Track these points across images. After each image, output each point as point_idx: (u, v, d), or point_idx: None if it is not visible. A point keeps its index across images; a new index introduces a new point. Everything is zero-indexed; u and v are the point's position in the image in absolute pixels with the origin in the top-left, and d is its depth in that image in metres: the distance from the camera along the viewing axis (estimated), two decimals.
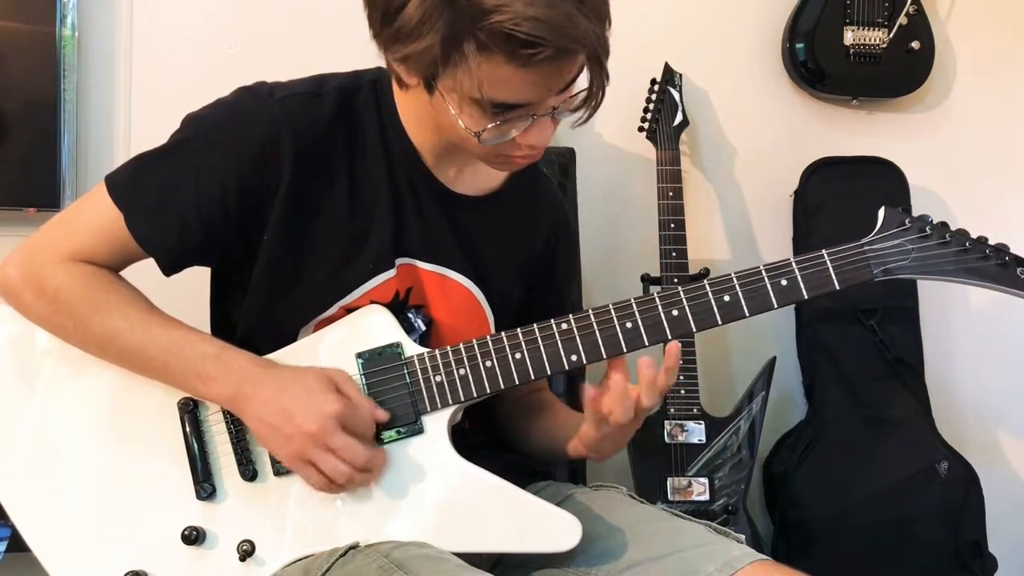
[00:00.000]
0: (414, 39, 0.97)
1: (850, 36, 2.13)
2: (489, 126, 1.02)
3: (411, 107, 1.15)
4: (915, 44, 2.14)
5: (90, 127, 1.91)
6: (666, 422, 1.92)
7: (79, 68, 1.88)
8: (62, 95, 1.82)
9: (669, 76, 2.07)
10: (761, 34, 2.22)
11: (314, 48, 1.95)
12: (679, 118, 2.04)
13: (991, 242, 1.10)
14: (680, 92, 2.06)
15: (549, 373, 1.10)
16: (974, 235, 1.10)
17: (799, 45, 2.15)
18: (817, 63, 2.14)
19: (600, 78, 1.00)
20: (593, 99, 1.03)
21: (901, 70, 2.17)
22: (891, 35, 2.13)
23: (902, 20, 2.13)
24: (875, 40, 2.13)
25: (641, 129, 2.06)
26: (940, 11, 2.26)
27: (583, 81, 1.03)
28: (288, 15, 2.00)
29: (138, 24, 1.94)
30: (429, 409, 1.11)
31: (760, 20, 2.22)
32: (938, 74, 2.22)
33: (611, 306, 1.09)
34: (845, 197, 2.13)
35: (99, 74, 1.92)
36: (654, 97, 2.06)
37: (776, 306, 1.08)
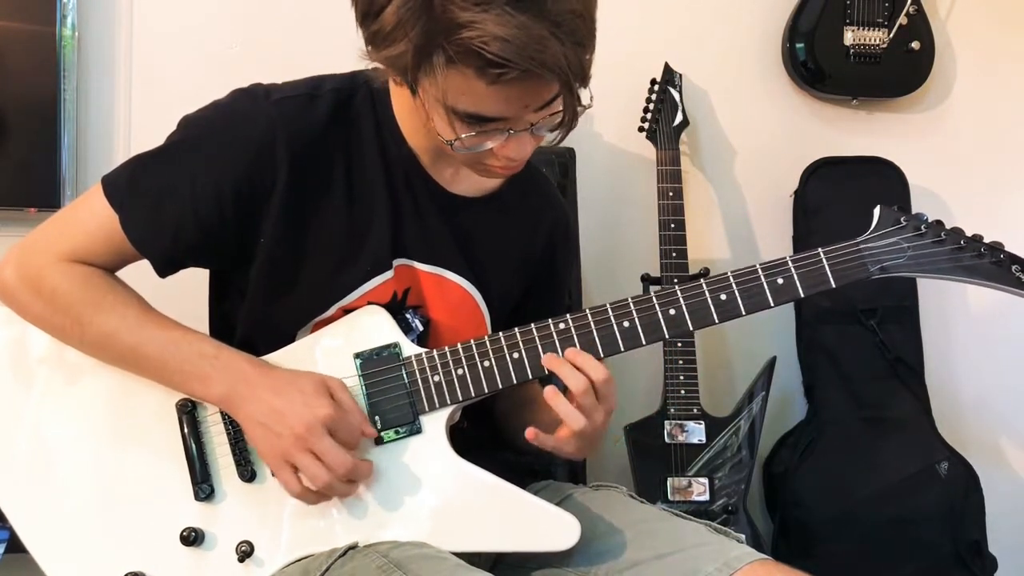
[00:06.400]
0: (389, 43, 0.96)
1: (850, 36, 2.13)
2: (463, 135, 1.01)
3: (405, 106, 1.14)
4: (915, 44, 2.14)
5: (90, 127, 1.91)
6: (666, 422, 1.93)
7: (79, 68, 1.88)
8: (62, 95, 1.83)
9: (669, 76, 2.07)
10: (761, 34, 2.22)
11: (313, 49, 1.95)
12: (679, 118, 2.04)
13: (986, 240, 1.10)
14: (680, 92, 2.06)
15: (547, 373, 1.10)
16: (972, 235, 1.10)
17: (799, 45, 2.15)
18: (817, 63, 2.14)
19: (572, 103, 0.98)
20: (564, 125, 1.02)
21: (901, 70, 2.17)
22: (891, 35, 2.13)
23: (902, 20, 2.13)
24: (875, 40, 2.13)
25: (641, 129, 2.06)
26: (940, 11, 2.26)
27: None
28: (288, 15, 2.01)
29: (138, 24, 1.94)
30: (427, 409, 1.12)
31: (760, 20, 2.22)
32: (938, 74, 2.22)
33: (608, 306, 1.10)
34: (845, 197, 2.13)
35: (99, 74, 1.92)
36: (654, 97, 2.06)
37: (772, 304, 1.08)
